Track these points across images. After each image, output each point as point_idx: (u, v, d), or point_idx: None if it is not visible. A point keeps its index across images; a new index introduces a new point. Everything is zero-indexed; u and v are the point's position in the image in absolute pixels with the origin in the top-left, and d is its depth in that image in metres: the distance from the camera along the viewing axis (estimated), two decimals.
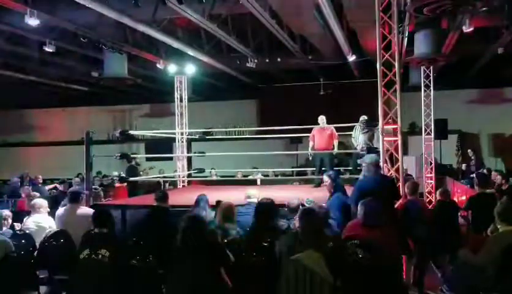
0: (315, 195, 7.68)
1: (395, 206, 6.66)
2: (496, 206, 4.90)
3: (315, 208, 5.09)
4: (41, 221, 6.56)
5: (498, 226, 4.77)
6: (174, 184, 13.34)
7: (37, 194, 10.97)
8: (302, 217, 4.62)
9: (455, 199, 10.62)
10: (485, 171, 13.51)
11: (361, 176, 6.70)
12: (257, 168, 14.57)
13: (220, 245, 4.81)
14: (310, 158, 10.39)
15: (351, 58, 12.94)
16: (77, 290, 4.95)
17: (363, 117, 10.18)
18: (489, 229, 5.35)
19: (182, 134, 12.95)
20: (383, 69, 7.09)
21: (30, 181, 13.73)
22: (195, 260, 4.34)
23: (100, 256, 4.70)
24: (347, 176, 10.17)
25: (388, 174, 7.01)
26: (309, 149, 10.16)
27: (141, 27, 10.18)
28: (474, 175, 13.78)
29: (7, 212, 6.71)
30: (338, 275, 4.26)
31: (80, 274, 4.83)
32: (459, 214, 7.92)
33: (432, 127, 12.82)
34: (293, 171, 14.86)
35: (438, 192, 8.01)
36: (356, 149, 10.14)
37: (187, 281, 4.32)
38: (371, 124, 8.24)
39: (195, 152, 14.29)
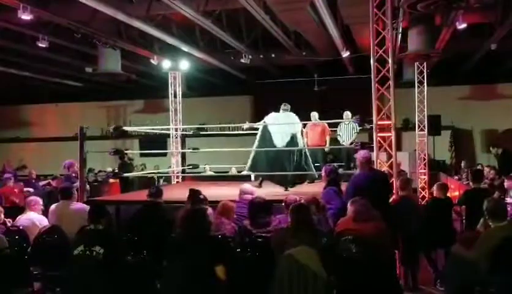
0: (309, 190, 7.71)
1: (389, 201, 6.70)
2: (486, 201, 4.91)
3: (306, 203, 5.12)
4: (35, 219, 6.51)
5: (490, 223, 4.78)
6: (168, 179, 13.33)
7: (31, 190, 10.97)
8: (293, 212, 4.64)
9: (448, 194, 10.64)
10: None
11: (356, 172, 6.76)
12: None
13: (217, 240, 4.82)
14: None
15: (345, 54, 12.94)
16: (71, 286, 4.94)
17: (347, 114, 10.30)
18: (479, 225, 5.34)
19: (176, 130, 12.92)
20: (377, 65, 7.10)
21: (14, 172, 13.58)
22: (190, 255, 4.34)
23: (94, 253, 4.67)
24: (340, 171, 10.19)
25: (382, 170, 7.05)
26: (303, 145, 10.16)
27: (136, 23, 10.15)
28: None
29: None
30: (332, 270, 4.28)
31: (74, 270, 4.83)
32: (453, 209, 7.92)
33: (426, 123, 12.85)
34: None
35: (434, 187, 7.96)
36: (343, 145, 10.27)
37: (182, 276, 4.32)
38: (365, 121, 8.23)
39: (189, 148, 14.27)
